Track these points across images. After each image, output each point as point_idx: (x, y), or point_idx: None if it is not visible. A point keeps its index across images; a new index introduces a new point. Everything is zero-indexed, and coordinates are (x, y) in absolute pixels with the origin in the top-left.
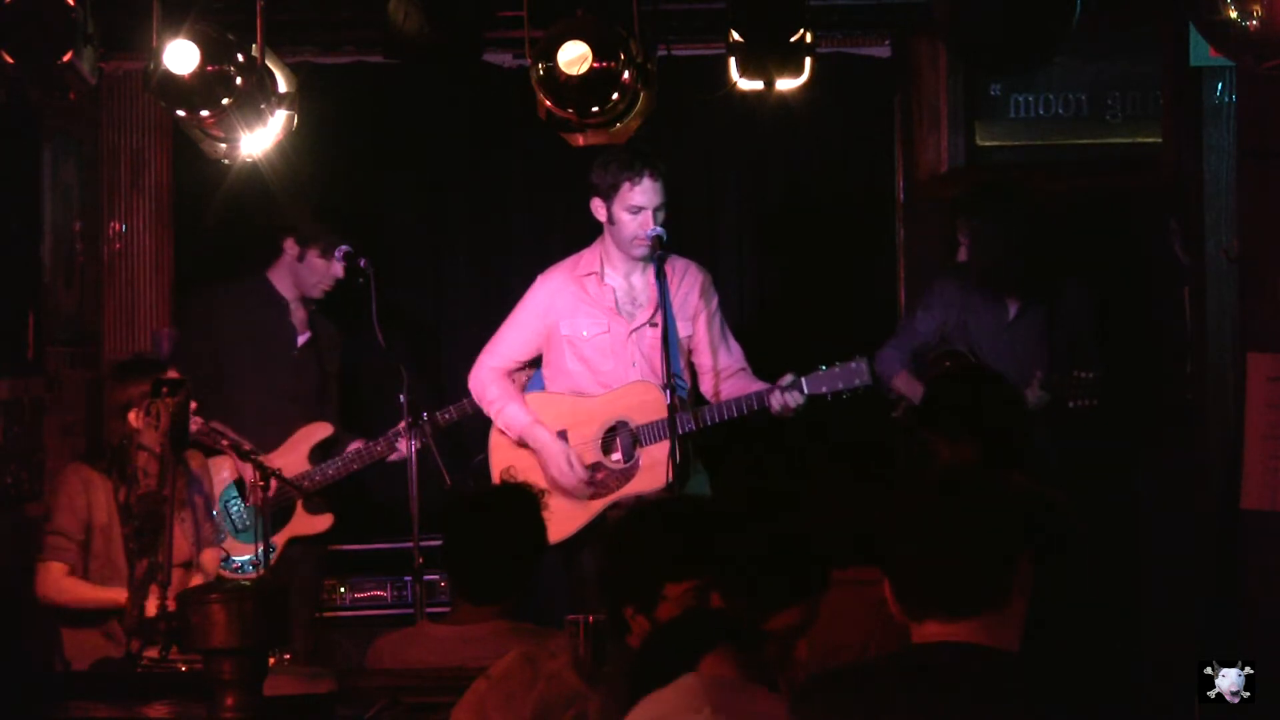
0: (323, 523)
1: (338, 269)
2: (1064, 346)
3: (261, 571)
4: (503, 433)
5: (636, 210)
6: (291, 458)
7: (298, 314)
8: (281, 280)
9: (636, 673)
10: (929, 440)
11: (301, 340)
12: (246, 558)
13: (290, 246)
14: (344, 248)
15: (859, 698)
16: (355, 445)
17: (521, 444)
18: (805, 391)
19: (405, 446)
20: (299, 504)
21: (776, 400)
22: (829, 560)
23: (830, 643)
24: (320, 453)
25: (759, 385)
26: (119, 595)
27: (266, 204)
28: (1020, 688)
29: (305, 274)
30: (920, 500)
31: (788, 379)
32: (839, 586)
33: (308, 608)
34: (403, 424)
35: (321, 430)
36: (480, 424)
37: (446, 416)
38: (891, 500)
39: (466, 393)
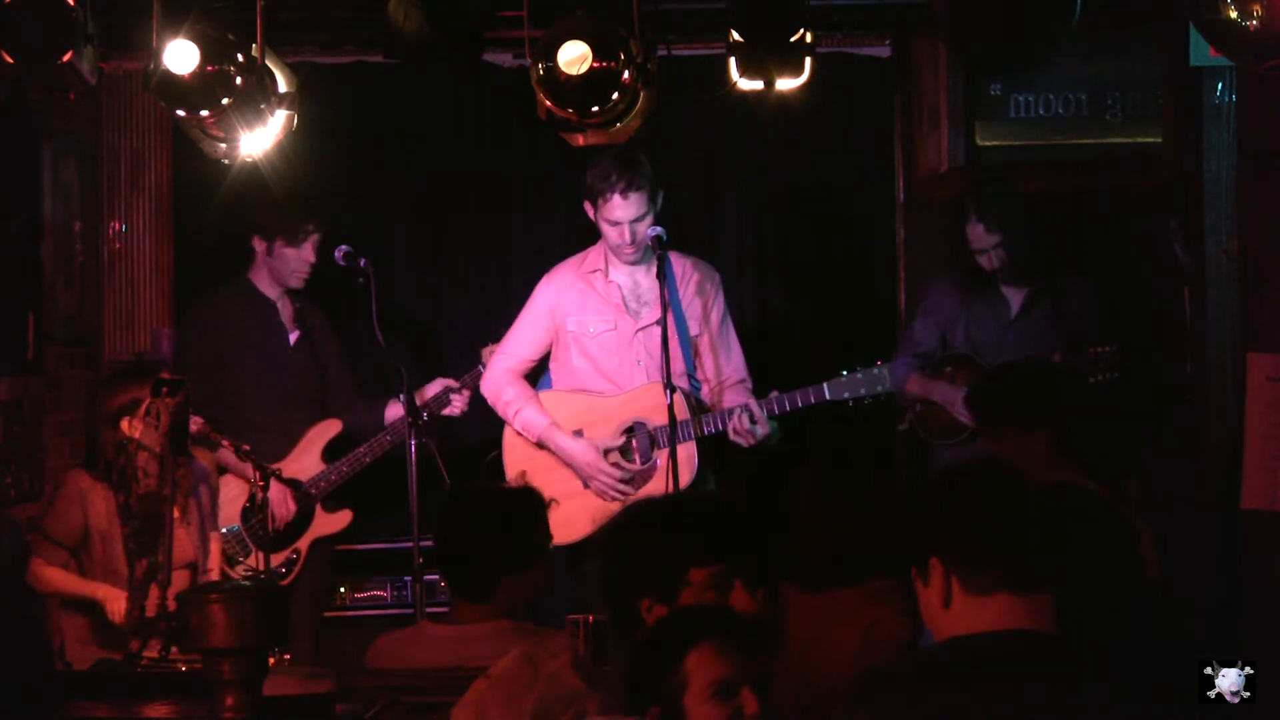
0: (343, 519)
1: (309, 252)
2: (1075, 333)
3: (263, 574)
4: (519, 433)
5: (614, 223)
6: (305, 461)
7: (285, 311)
8: (262, 280)
9: (628, 673)
10: (999, 433)
11: (293, 338)
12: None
13: (258, 244)
14: (344, 247)
15: (920, 694)
16: (395, 407)
17: (541, 446)
18: (827, 396)
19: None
20: (318, 505)
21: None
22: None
23: (814, 664)
24: (332, 451)
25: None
26: (99, 590)
27: (266, 204)
28: (1083, 671)
29: (279, 266)
30: (988, 483)
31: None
32: (831, 607)
33: (319, 608)
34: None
35: (331, 428)
36: (480, 425)
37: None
38: (947, 489)
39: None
